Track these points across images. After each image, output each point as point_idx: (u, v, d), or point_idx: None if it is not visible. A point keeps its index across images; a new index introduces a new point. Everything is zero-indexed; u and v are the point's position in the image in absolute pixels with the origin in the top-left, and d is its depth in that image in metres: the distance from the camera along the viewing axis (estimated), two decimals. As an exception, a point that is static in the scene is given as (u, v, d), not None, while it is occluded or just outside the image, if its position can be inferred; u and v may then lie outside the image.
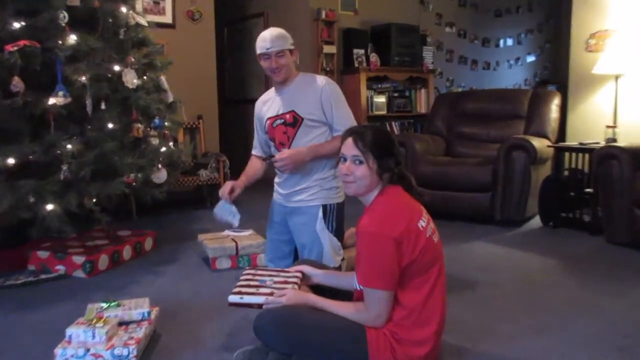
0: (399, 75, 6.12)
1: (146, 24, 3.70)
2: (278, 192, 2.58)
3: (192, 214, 4.99)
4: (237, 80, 7.35)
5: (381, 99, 6.04)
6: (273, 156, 2.43)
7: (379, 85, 6.05)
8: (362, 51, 5.96)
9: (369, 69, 5.87)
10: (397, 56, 6.01)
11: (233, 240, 3.47)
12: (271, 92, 2.52)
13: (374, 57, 5.98)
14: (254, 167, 2.62)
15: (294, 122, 2.41)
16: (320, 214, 2.42)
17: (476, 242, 3.91)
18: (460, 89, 7.36)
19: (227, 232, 3.65)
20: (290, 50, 2.40)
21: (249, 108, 8.10)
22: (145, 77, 3.69)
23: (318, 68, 5.80)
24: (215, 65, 5.70)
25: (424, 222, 1.77)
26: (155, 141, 3.62)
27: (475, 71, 7.78)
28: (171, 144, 3.87)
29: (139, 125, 3.47)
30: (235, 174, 5.82)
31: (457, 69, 7.52)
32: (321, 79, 2.44)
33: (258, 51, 2.40)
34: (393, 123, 6.13)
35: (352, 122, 2.41)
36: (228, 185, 2.45)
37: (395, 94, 6.23)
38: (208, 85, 5.63)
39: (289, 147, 2.45)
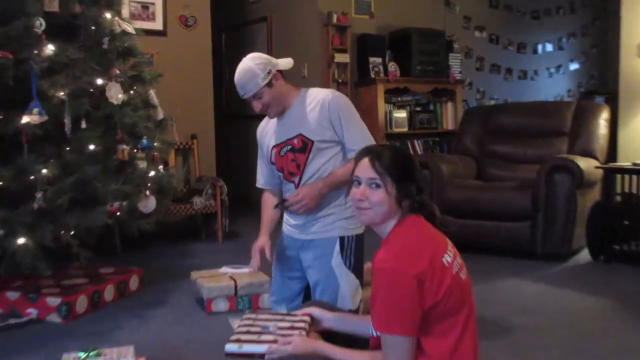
0: (422, 87, 6.14)
1: (133, 32, 3.75)
2: (288, 223, 2.58)
3: (185, 248, 5.00)
4: (237, 95, 7.41)
5: (401, 114, 6.06)
6: (285, 201, 2.45)
7: (399, 99, 6.08)
8: (379, 60, 6.01)
9: (387, 80, 5.91)
10: (420, 65, 6.05)
11: (231, 278, 3.45)
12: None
13: (392, 67, 6.02)
14: (270, 206, 2.61)
15: (304, 146, 2.42)
16: (337, 247, 2.42)
17: (513, 280, 3.88)
18: (492, 102, 7.38)
19: (224, 269, 3.64)
20: (269, 82, 2.37)
21: (251, 125, 8.07)
22: (132, 92, 3.73)
23: (329, 80, 5.84)
24: (211, 76, 5.76)
25: (450, 256, 1.75)
26: (142, 164, 3.64)
27: (510, 81, 7.81)
28: (161, 167, 3.89)
29: (125, 146, 3.49)
30: (234, 201, 5.88)
31: (489, 78, 7.54)
32: (325, 93, 2.44)
33: None
34: (415, 142, 6.14)
35: (367, 139, 2.41)
36: (257, 255, 2.46)
37: (418, 109, 6.24)
38: (203, 100, 5.69)
39: (300, 176, 2.45)
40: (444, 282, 1.69)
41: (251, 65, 2.35)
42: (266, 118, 2.58)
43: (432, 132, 6.28)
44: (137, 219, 3.58)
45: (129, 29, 3.72)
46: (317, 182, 2.41)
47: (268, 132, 2.56)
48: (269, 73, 2.37)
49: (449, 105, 6.35)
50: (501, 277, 3.93)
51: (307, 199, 2.38)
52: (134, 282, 3.75)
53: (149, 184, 3.65)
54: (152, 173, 3.71)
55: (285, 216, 2.60)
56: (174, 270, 4.22)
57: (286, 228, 2.60)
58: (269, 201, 2.63)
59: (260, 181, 2.67)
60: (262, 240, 2.50)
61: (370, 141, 2.40)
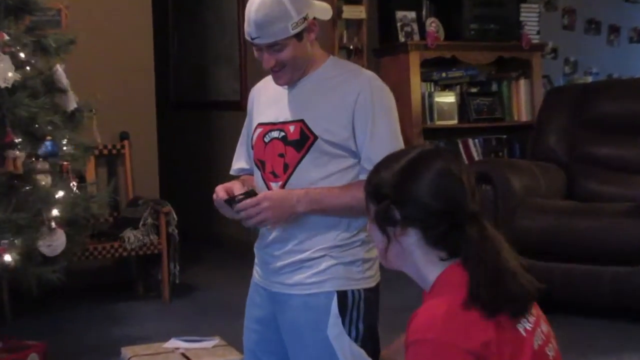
0: (479, 56, 6.15)
1: (30, -25, 3.78)
2: (261, 265, 2.58)
3: (112, 310, 4.98)
4: (191, 70, 7.44)
5: (448, 99, 6.06)
6: (236, 197, 2.42)
7: (444, 75, 6.08)
8: (411, 15, 6.02)
9: (424, 46, 5.91)
10: (475, 22, 6.06)
11: (185, 357, 3.45)
12: None
13: (433, 25, 6.03)
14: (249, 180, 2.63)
15: (302, 140, 2.42)
16: (335, 308, 2.41)
17: (631, 356, 3.86)
18: (589, 78, 7.38)
19: (173, 342, 3.64)
20: (300, 32, 2.38)
21: (214, 119, 8.05)
22: (28, 68, 3.74)
23: (334, 46, 5.85)
24: (151, 45, 5.77)
25: (530, 322, 1.76)
26: (45, 180, 3.64)
27: (616, 46, 7.82)
28: (74, 184, 3.89)
29: (17, 152, 3.49)
30: (188, 236, 5.85)
31: (584, 42, 7.55)
32: (362, 76, 2.45)
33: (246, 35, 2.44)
34: (470, 141, 6.14)
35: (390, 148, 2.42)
36: (222, 190, 2.45)
37: (473, 90, 6.24)
38: (139, 81, 5.69)
39: (284, 183, 2.44)
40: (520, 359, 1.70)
41: (284, 1, 2.32)
42: (267, 78, 2.59)
43: (496, 127, 6.27)
44: (37, 265, 3.57)
45: (23, -30, 3.74)
46: (299, 191, 2.40)
47: (263, 98, 2.58)
48: (304, 19, 2.35)
49: (522, 83, 6.36)
50: (607, 352, 3.91)
51: (271, 209, 2.36)
52: (32, 365, 3.74)
53: (54, 211, 3.63)
54: (60, 194, 3.70)
55: (256, 254, 2.59)
56: (95, 345, 4.19)
57: (257, 274, 2.60)
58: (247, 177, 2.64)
59: (238, 165, 2.68)
60: (232, 183, 2.48)
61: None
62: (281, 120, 2.45)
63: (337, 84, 2.43)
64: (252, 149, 2.53)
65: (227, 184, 2.45)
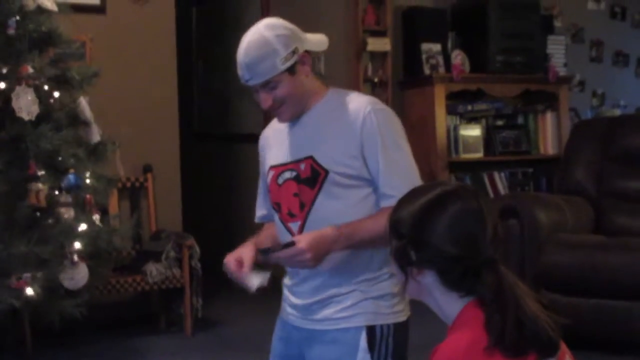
0: (506, 89, 6.14)
1: (55, 8, 3.81)
2: (289, 302, 2.58)
3: (134, 344, 4.98)
4: (216, 101, 7.47)
5: (474, 132, 6.05)
6: (269, 249, 2.42)
7: (470, 107, 6.08)
8: (437, 47, 6.03)
9: (450, 79, 5.92)
10: (501, 54, 6.06)
11: (206, 392, 3.43)
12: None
13: (458, 57, 6.04)
14: (269, 228, 2.65)
15: (313, 177, 2.42)
16: (364, 343, 2.41)
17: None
18: (617, 111, 7.35)
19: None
20: (292, 66, 2.38)
21: (240, 150, 8.03)
22: (52, 101, 3.77)
23: (358, 78, 5.87)
24: (175, 76, 5.81)
25: (555, 359, 1.76)
26: (67, 213, 3.66)
27: (645, 78, 7.78)
28: (96, 217, 3.91)
29: (40, 185, 3.51)
30: (211, 270, 5.84)
31: (612, 74, 7.53)
32: (363, 101, 2.45)
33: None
34: (496, 175, 6.12)
35: (413, 178, 2.41)
36: (232, 263, 2.47)
37: (499, 123, 6.23)
38: (163, 112, 5.72)
39: (303, 222, 2.46)
40: (546, 399, 1.68)
41: (268, 37, 2.35)
42: (274, 121, 2.60)
43: (522, 160, 6.25)
44: (59, 299, 3.58)
45: (49, 3, 3.77)
46: (332, 230, 2.39)
47: (272, 142, 2.58)
48: (293, 53, 2.37)
49: (549, 116, 6.34)
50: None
51: (311, 252, 2.36)
52: (53, 400, 3.74)
53: (76, 245, 3.65)
54: (82, 227, 3.72)
55: (285, 292, 2.59)
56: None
57: (286, 310, 2.60)
58: (272, 226, 2.64)
59: (260, 213, 2.69)
60: (243, 249, 2.48)
61: (416, 180, 2.38)
62: (291, 159, 2.46)
63: (340, 114, 2.43)
64: (269, 193, 2.55)
65: (237, 253, 2.50)
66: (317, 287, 2.45)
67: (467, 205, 1.79)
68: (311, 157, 2.42)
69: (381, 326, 2.41)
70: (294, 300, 2.52)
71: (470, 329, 1.73)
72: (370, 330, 2.40)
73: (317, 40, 2.51)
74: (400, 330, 2.44)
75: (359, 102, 2.44)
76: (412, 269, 1.80)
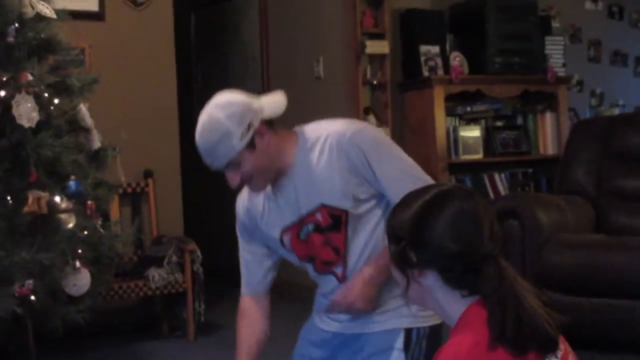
0: (505, 90, 6.14)
1: (54, 15, 3.82)
2: (328, 315, 2.60)
3: (137, 349, 4.99)
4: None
5: (473, 133, 6.05)
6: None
7: (469, 109, 6.07)
8: (435, 49, 6.03)
9: (449, 81, 5.91)
10: (500, 56, 6.06)
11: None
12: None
13: (457, 59, 6.04)
14: (253, 329, 2.66)
15: (336, 221, 2.43)
16: (400, 342, 2.44)
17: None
18: (616, 111, 7.35)
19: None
20: (251, 142, 2.33)
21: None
22: (52, 108, 3.77)
23: (358, 81, 5.87)
24: (175, 83, 5.81)
25: (557, 357, 1.76)
26: (69, 220, 3.66)
27: (644, 77, 7.78)
28: (98, 223, 3.91)
29: (41, 192, 3.52)
30: (213, 274, 5.85)
31: (610, 74, 7.53)
32: (336, 130, 2.42)
33: None
34: (496, 175, 6.12)
35: (416, 174, 2.42)
36: None
37: (499, 124, 6.22)
38: (163, 118, 5.73)
39: (344, 263, 2.47)
40: (549, 397, 1.69)
41: (220, 118, 2.32)
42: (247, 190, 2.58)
43: (522, 160, 6.25)
44: (62, 305, 3.58)
45: (48, 11, 3.78)
46: (366, 271, 2.42)
47: (258, 207, 2.54)
48: (248, 128, 2.33)
49: (548, 117, 6.34)
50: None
51: (359, 301, 2.40)
52: (57, 406, 3.74)
53: (79, 251, 3.65)
54: (84, 233, 3.72)
55: (321, 300, 2.63)
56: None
57: (319, 318, 2.63)
58: (251, 316, 2.65)
59: (249, 285, 2.68)
60: None
61: (421, 180, 2.38)
62: (304, 213, 2.45)
63: (325, 156, 2.41)
64: (291, 251, 2.54)
65: None
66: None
67: (464, 203, 1.80)
68: (323, 205, 2.42)
69: (417, 329, 2.46)
70: (339, 315, 2.55)
71: (473, 329, 1.74)
72: (408, 332, 2.45)
73: (273, 104, 2.44)
74: (435, 333, 2.48)
75: (334, 135, 2.41)
76: (413, 270, 1.81)
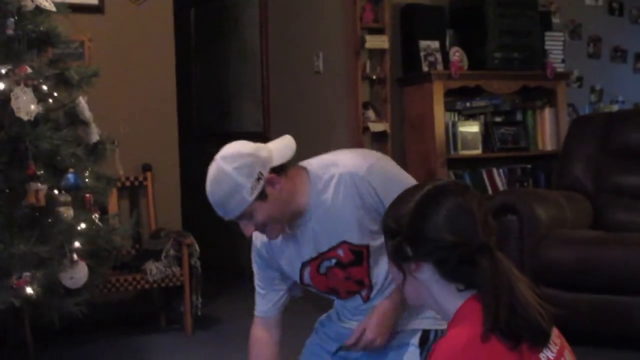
0: (504, 86, 6.14)
1: (53, 8, 3.81)
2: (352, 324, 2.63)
3: (135, 342, 4.98)
4: (214, 101, 7.48)
5: (472, 128, 6.05)
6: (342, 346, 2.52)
7: (468, 104, 6.07)
8: (435, 44, 6.03)
9: (448, 76, 5.91)
10: (499, 51, 6.05)
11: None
12: None
13: (457, 55, 6.03)
14: (264, 353, 2.69)
15: (358, 257, 2.47)
16: (415, 340, 2.48)
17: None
18: (615, 107, 7.35)
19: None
20: (261, 193, 2.32)
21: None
22: (51, 101, 3.77)
23: (357, 76, 5.87)
24: (174, 76, 5.81)
25: (552, 352, 1.77)
26: (67, 212, 3.66)
27: (643, 74, 7.78)
28: (96, 216, 3.91)
29: (40, 185, 3.51)
30: (211, 268, 5.85)
31: (610, 70, 7.52)
32: (349, 169, 2.42)
33: None
34: (495, 171, 6.11)
35: None
36: None
37: (498, 119, 6.22)
38: (162, 112, 5.73)
39: (369, 291, 2.53)
40: (543, 392, 1.69)
41: (228, 172, 2.31)
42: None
43: (520, 156, 6.25)
44: (60, 298, 3.58)
45: (47, 3, 3.77)
46: (386, 305, 2.46)
47: (279, 247, 2.56)
48: (258, 180, 2.32)
49: (547, 112, 6.34)
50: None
51: (381, 336, 2.43)
52: (54, 399, 3.74)
53: (76, 244, 3.65)
54: (82, 226, 3.72)
55: (342, 313, 2.67)
56: (116, 379, 4.20)
57: (336, 317, 2.71)
58: (262, 344, 2.68)
59: (262, 310, 2.73)
60: None
61: None
62: (325, 249, 2.48)
63: (338, 197, 2.42)
64: (311, 284, 2.58)
65: None
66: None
67: (459, 198, 1.82)
68: (345, 242, 2.45)
69: (435, 331, 2.49)
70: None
71: (469, 322, 1.74)
72: (426, 332, 2.50)
73: (283, 149, 2.43)
74: None
75: (346, 176, 2.42)
76: (410, 265, 1.83)
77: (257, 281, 2.71)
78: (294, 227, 2.48)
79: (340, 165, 2.44)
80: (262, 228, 2.40)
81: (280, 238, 2.52)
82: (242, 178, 2.29)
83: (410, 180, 2.48)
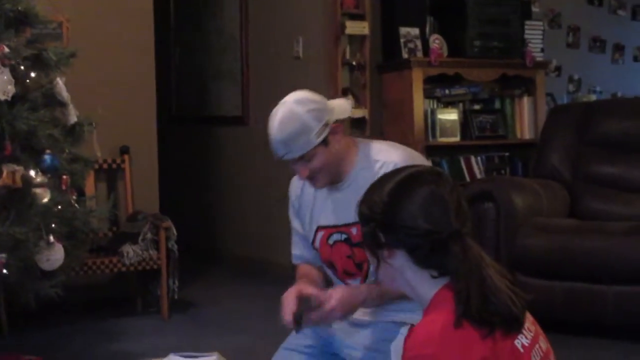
0: (483, 74, 6.15)
1: (31, -12, 3.79)
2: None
3: (110, 325, 4.97)
4: (193, 84, 7.46)
5: (451, 116, 6.06)
6: (301, 316, 2.46)
7: (447, 92, 6.08)
8: (415, 31, 6.03)
9: (428, 63, 5.91)
10: (479, 39, 6.06)
11: (183, 373, 3.44)
12: None
13: (436, 42, 6.04)
14: (311, 270, 2.72)
15: None
16: (405, 330, 2.46)
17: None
18: (593, 97, 7.39)
19: (171, 358, 3.62)
20: (325, 138, 2.45)
21: (216, 134, 8.05)
22: (28, 81, 3.74)
23: (337, 62, 5.86)
24: (153, 59, 5.78)
25: (527, 338, 1.77)
26: (44, 195, 3.64)
27: (621, 64, 7.82)
28: (73, 198, 3.89)
29: (16, 166, 3.49)
30: (188, 251, 5.85)
31: (588, 60, 7.56)
32: (391, 160, 2.50)
33: None
34: (472, 159, 6.13)
35: None
36: (291, 303, 2.45)
37: (476, 107, 6.24)
38: (140, 94, 5.70)
39: (363, 279, 2.55)
40: (518, 378, 1.70)
41: (299, 113, 2.42)
42: None
43: (498, 144, 6.27)
44: (35, 280, 3.56)
45: (25, -17, 3.75)
46: (366, 289, 2.47)
47: (309, 198, 2.64)
48: (325, 125, 2.45)
49: (525, 101, 6.36)
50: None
51: (342, 310, 2.42)
52: (28, 380, 3.73)
53: (53, 226, 3.63)
54: (58, 208, 3.70)
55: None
56: (92, 361, 4.16)
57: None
58: (308, 266, 2.73)
59: (298, 253, 2.77)
60: (298, 286, 2.53)
61: None
62: (341, 223, 2.55)
63: (374, 179, 2.46)
64: (317, 250, 2.64)
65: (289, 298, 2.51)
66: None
67: (432, 185, 1.83)
68: None
69: None
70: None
71: (444, 309, 1.75)
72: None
73: (342, 108, 2.56)
74: None
75: (390, 166, 2.47)
76: (383, 251, 1.84)
77: (293, 232, 2.78)
78: (329, 190, 2.57)
79: (389, 155, 2.54)
80: (314, 174, 2.49)
81: (312, 194, 2.62)
82: (312, 121, 2.42)
83: None
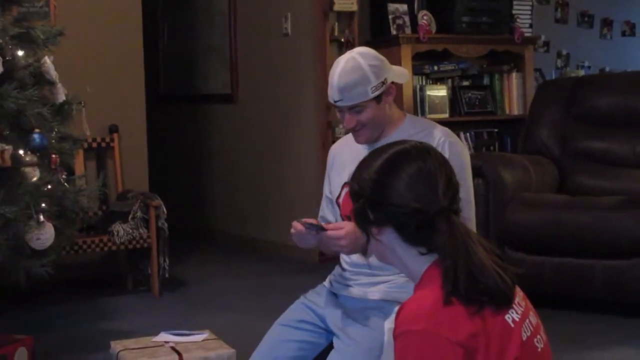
0: (471, 50, 6.15)
1: (18, -34, 3.77)
2: (345, 264, 2.70)
3: (101, 304, 4.98)
4: (181, 62, 7.43)
5: (439, 92, 6.07)
6: (322, 227, 2.53)
7: (436, 68, 6.08)
8: (403, 7, 6.02)
9: (416, 39, 5.91)
10: (467, 15, 6.06)
11: (174, 350, 3.44)
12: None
13: (425, 18, 6.03)
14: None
15: None
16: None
17: (619, 350, 3.86)
18: (582, 72, 7.40)
19: (162, 336, 3.63)
20: (379, 95, 2.55)
21: (206, 113, 8.04)
22: (16, 60, 3.72)
23: (325, 39, 5.85)
24: (141, 37, 5.76)
25: (518, 313, 1.78)
26: (33, 173, 3.64)
27: (609, 39, 7.83)
28: (62, 177, 3.89)
29: (4, 145, 3.48)
30: (178, 230, 5.85)
31: (576, 35, 7.57)
32: (438, 133, 2.60)
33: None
34: (462, 135, 6.15)
35: (468, 213, 2.49)
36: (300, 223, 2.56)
37: (465, 83, 6.24)
38: (128, 74, 5.68)
39: None
40: (508, 352, 1.71)
41: (362, 65, 2.53)
42: (347, 137, 2.77)
43: (487, 120, 6.28)
44: (25, 259, 3.56)
45: (11, -39, 3.73)
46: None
47: (346, 156, 2.69)
48: (383, 83, 2.55)
49: (514, 77, 6.37)
50: (599, 346, 3.92)
51: (347, 240, 2.47)
52: (20, 358, 3.74)
53: (43, 205, 3.63)
54: (48, 187, 3.70)
55: (346, 267, 2.71)
56: (83, 339, 4.19)
57: (329, 279, 2.75)
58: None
59: (322, 217, 2.83)
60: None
61: (473, 208, 2.58)
62: None
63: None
64: (339, 206, 2.72)
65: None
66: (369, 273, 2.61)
67: (419, 161, 1.84)
68: None
69: None
70: (350, 270, 2.67)
71: (435, 285, 1.76)
72: None
73: (400, 73, 2.70)
74: None
75: (433, 133, 2.62)
76: (372, 228, 1.85)
77: (324, 196, 2.86)
78: (369, 147, 2.58)
79: (435, 127, 2.66)
80: (359, 127, 2.59)
81: (354, 152, 2.62)
82: (372, 75, 2.53)
83: (471, 190, 2.61)
